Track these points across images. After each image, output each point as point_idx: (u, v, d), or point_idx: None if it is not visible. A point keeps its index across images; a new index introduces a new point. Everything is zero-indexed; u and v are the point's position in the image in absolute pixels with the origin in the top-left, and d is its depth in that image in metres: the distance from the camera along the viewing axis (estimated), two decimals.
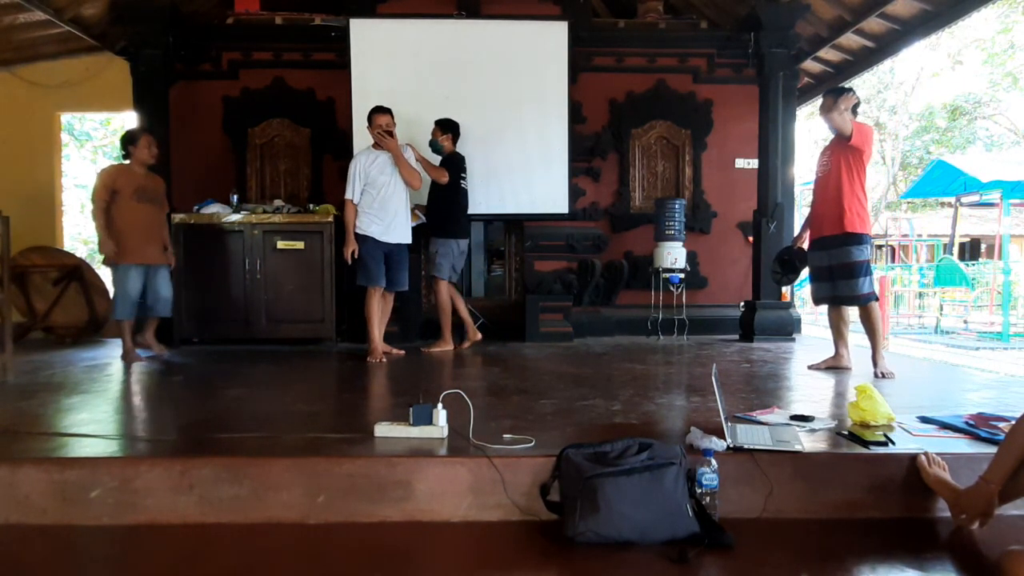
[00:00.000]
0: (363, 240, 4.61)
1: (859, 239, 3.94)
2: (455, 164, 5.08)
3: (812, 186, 4.23)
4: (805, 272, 4.53)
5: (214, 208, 5.44)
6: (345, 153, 5.87)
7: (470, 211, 5.30)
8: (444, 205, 5.04)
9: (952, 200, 12.76)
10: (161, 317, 4.75)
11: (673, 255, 5.94)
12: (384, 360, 4.52)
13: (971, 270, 10.90)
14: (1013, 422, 1.96)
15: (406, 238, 4.77)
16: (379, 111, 4.62)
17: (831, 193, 3.99)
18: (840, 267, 3.98)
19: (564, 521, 1.96)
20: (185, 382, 3.87)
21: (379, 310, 4.70)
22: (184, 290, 5.38)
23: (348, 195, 4.63)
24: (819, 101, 4.34)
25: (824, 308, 4.38)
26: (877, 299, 4.12)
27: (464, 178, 5.13)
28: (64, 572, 1.85)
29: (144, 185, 4.54)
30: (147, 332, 4.74)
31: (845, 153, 3.96)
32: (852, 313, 4.24)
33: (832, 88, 4.17)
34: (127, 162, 4.60)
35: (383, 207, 4.61)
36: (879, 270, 11.23)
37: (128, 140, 4.63)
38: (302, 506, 2.09)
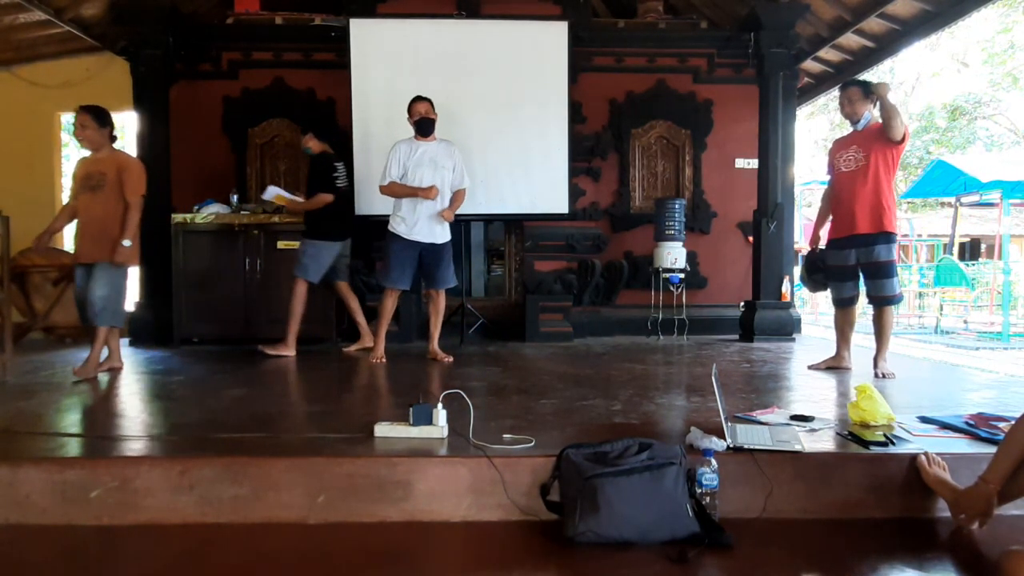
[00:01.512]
0: (392, 238, 4.47)
1: (893, 237, 3.87)
2: (321, 165, 4.88)
3: (836, 182, 4.05)
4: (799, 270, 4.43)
5: (214, 208, 5.45)
6: (345, 153, 5.88)
7: (471, 211, 5.28)
8: (316, 207, 4.85)
9: (952, 200, 12.76)
10: (100, 326, 3.87)
11: (673, 255, 5.93)
12: (384, 360, 4.49)
13: (971, 270, 10.89)
14: (1013, 422, 1.96)
15: (440, 237, 4.50)
16: (417, 100, 4.48)
17: (868, 190, 3.84)
18: (872, 266, 3.88)
19: (564, 521, 1.96)
20: (185, 382, 3.87)
21: (392, 309, 4.59)
22: (184, 290, 5.39)
23: (386, 180, 4.41)
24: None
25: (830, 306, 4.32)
26: (902, 300, 4.07)
27: (337, 178, 4.88)
28: (64, 572, 1.85)
29: (90, 172, 3.92)
30: (92, 346, 3.93)
31: (885, 148, 3.83)
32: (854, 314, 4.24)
33: (853, 80, 4.12)
34: None
35: (411, 203, 4.42)
36: None
37: None
38: (302, 506, 2.09)
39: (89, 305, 3.82)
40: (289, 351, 4.82)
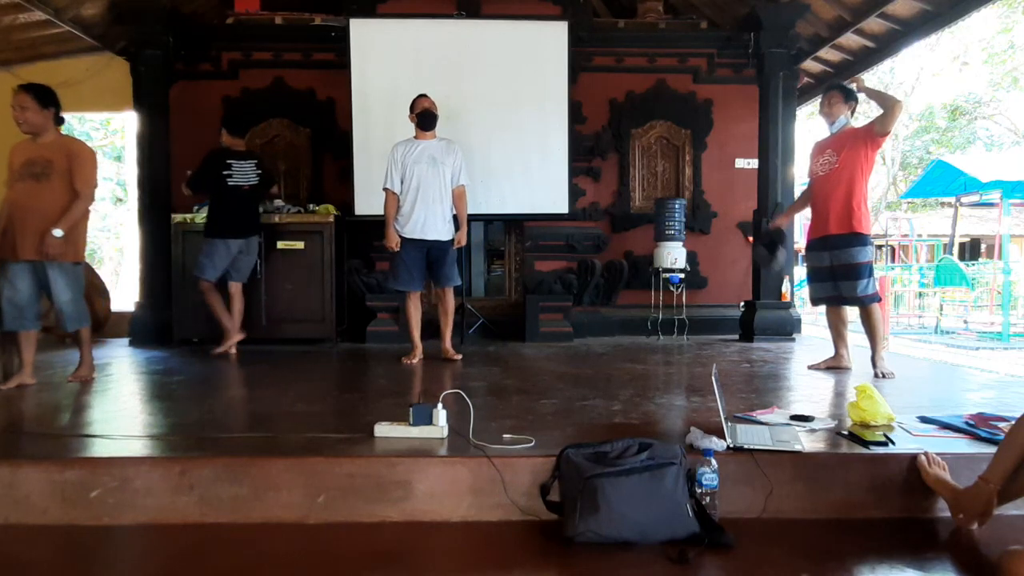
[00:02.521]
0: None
1: (864, 240, 3.92)
2: (209, 161, 4.95)
3: (813, 185, 4.14)
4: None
5: None
6: (345, 153, 5.89)
7: (471, 211, 5.26)
8: (210, 204, 4.98)
9: (952, 200, 12.78)
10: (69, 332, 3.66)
11: (673, 255, 5.93)
12: (415, 362, 4.43)
13: (971, 270, 10.90)
14: (1013, 422, 1.96)
15: (444, 235, 4.48)
16: (421, 96, 4.51)
17: (841, 191, 3.91)
18: (843, 267, 3.94)
19: (564, 521, 1.96)
20: (185, 382, 3.87)
21: (416, 312, 4.57)
22: (184, 290, 5.39)
23: (386, 184, 4.47)
24: (820, 101, 4.31)
25: (822, 308, 4.36)
26: (880, 300, 4.11)
27: (228, 176, 4.90)
28: (64, 572, 1.85)
29: (33, 158, 3.46)
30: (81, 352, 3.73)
31: (859, 150, 3.89)
32: (851, 313, 4.24)
33: (837, 84, 4.17)
34: None
35: (406, 199, 4.43)
36: (879, 270, 11.23)
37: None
38: (302, 506, 2.09)
39: (61, 310, 3.52)
40: (235, 337, 4.90)
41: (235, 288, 5.01)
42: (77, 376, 3.71)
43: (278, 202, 5.70)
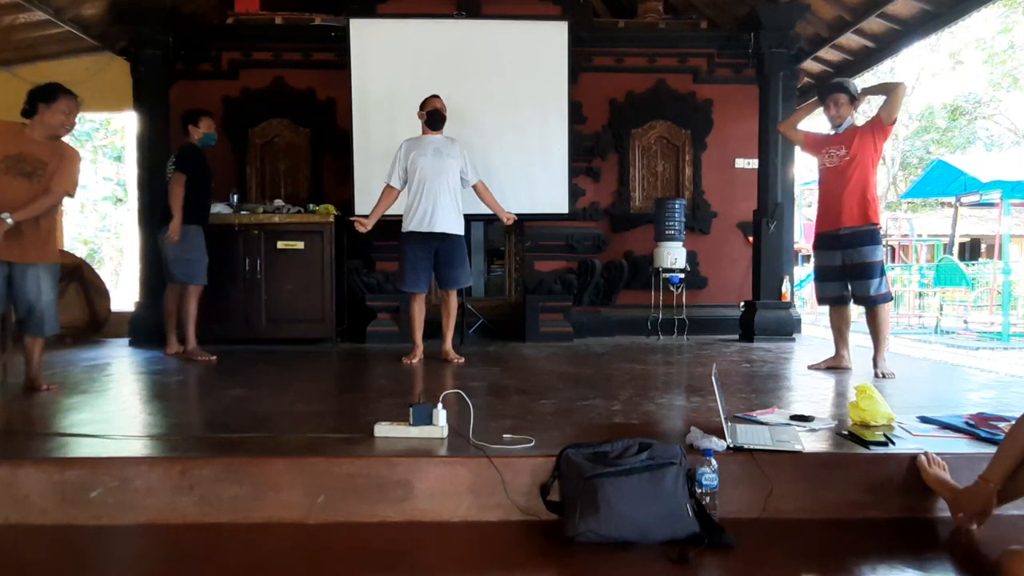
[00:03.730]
0: (404, 239, 4.44)
1: (877, 237, 3.90)
2: None
3: (821, 176, 4.11)
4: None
5: (214, 208, 5.43)
6: (345, 153, 5.88)
7: (472, 211, 5.27)
8: None
9: (952, 200, 12.78)
10: (39, 336, 3.37)
11: (673, 255, 5.93)
12: (415, 362, 4.42)
13: (971, 270, 10.90)
14: (1013, 422, 1.96)
15: (447, 227, 4.40)
16: (433, 96, 4.53)
17: (855, 183, 3.88)
18: (856, 267, 3.90)
19: (564, 521, 1.96)
20: (185, 382, 3.87)
21: (420, 312, 4.54)
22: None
23: (385, 179, 4.49)
24: (825, 104, 4.28)
25: (824, 307, 4.35)
26: (891, 299, 4.08)
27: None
28: (64, 572, 1.85)
29: (27, 154, 3.25)
30: (28, 360, 3.41)
31: (867, 141, 3.89)
32: (853, 313, 4.24)
33: (837, 84, 4.14)
34: (26, 122, 3.33)
35: (411, 192, 4.41)
36: None
37: (41, 95, 3.33)
38: (302, 506, 2.09)
39: (32, 311, 3.30)
40: (172, 349, 4.86)
41: (186, 291, 4.85)
42: (50, 384, 3.46)
43: (278, 202, 5.70)
